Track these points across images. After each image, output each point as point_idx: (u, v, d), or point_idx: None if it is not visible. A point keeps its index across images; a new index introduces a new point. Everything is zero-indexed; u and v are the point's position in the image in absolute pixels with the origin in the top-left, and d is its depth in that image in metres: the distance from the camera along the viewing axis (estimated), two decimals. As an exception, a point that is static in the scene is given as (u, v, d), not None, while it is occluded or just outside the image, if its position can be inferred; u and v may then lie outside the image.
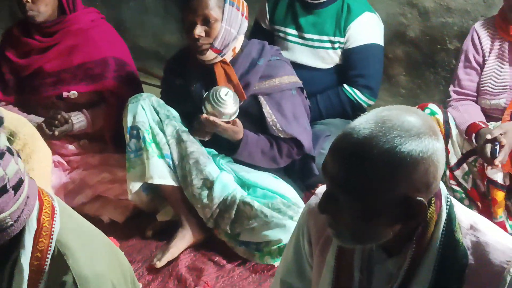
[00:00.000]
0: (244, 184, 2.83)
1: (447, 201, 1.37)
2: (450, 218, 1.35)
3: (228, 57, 2.80)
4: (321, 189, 1.57)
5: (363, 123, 1.25)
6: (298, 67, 3.08)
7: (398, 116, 1.25)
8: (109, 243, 1.67)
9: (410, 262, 1.35)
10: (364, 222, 1.27)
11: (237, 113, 2.70)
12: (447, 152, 2.85)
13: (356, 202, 1.25)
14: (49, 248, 1.47)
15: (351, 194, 1.25)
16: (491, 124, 2.80)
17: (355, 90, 3.19)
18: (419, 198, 1.25)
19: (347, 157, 1.24)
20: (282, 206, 2.69)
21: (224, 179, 2.77)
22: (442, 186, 1.36)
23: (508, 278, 1.31)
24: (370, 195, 1.24)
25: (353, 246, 1.35)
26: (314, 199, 1.56)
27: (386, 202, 1.25)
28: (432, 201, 1.33)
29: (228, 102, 2.65)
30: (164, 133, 2.79)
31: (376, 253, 1.41)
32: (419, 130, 1.24)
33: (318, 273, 1.52)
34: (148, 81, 4.05)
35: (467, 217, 1.39)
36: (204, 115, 2.67)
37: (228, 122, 2.71)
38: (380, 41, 3.23)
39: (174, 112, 2.84)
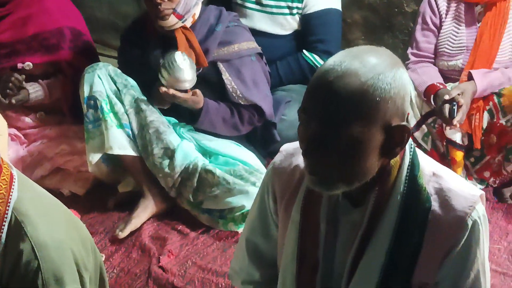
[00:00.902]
0: (205, 152, 2.81)
1: (411, 148, 1.38)
2: (413, 163, 1.37)
3: (188, 23, 2.75)
4: (286, 146, 1.58)
5: (339, 59, 1.25)
6: (257, 34, 3.06)
7: (369, 51, 1.28)
8: (68, 212, 1.65)
9: (373, 207, 1.36)
10: (354, 158, 1.26)
11: (195, 80, 2.66)
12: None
13: (348, 137, 1.24)
14: (6, 216, 1.44)
15: (342, 128, 1.23)
16: (449, 85, 2.83)
17: (315, 56, 3.18)
18: (403, 123, 1.27)
19: (334, 91, 1.23)
20: (245, 173, 2.69)
21: (185, 147, 2.75)
22: None
23: (470, 223, 1.34)
24: (361, 126, 1.23)
25: (339, 190, 1.32)
26: (279, 157, 1.57)
27: (375, 132, 1.25)
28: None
29: (184, 67, 2.60)
30: (122, 102, 2.75)
31: (341, 204, 1.41)
32: (392, 61, 1.28)
33: (284, 229, 1.53)
34: (105, 52, 3.99)
35: (429, 165, 1.41)
36: (164, 89, 2.62)
37: (186, 91, 2.67)
38: (338, 6, 3.22)
39: (132, 81, 2.79)
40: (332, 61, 1.26)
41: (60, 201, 1.65)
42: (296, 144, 1.48)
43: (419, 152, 1.42)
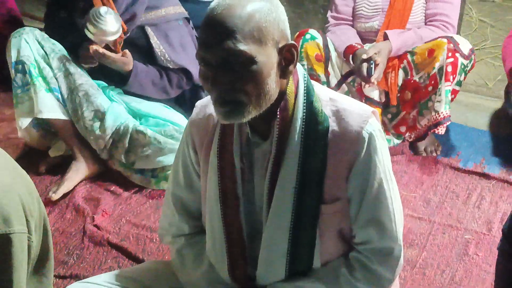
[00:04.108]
0: (135, 115, 2.86)
1: (304, 76, 1.52)
2: (308, 89, 1.50)
3: (108, -10, 2.77)
4: (200, 101, 1.68)
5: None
6: (182, 0, 3.10)
7: None
8: (13, 161, 1.65)
9: (279, 135, 1.48)
10: (257, 77, 1.36)
11: (120, 31, 2.68)
12: (328, 74, 3.03)
13: (247, 58, 1.34)
14: None
15: (240, 50, 1.33)
16: (366, 46, 2.99)
17: (239, 21, 3.26)
18: (290, 42, 1.41)
19: (225, 18, 1.33)
20: (175, 132, 2.77)
21: (116, 109, 2.80)
22: (299, 65, 1.51)
23: (366, 135, 1.48)
24: (255, 47, 1.34)
25: (250, 115, 1.41)
26: (195, 111, 1.66)
27: (269, 52, 1.37)
28: (290, 77, 1.48)
29: (108, 19, 2.62)
30: (50, 66, 2.76)
31: (252, 140, 1.53)
32: None
33: (205, 177, 1.63)
34: (29, 24, 3.93)
35: (325, 92, 1.56)
36: (94, 47, 2.65)
37: (116, 51, 2.72)
38: (261, -28, 3.31)
39: (59, 46, 2.80)
40: (216, 1, 1.37)
41: (5, 152, 1.66)
42: (209, 97, 1.57)
43: (315, 83, 1.55)
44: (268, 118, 1.48)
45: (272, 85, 1.40)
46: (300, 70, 1.52)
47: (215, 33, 1.34)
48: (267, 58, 1.37)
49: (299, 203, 1.52)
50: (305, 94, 1.50)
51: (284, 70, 1.43)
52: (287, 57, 1.41)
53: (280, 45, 1.39)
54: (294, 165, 1.50)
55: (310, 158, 1.49)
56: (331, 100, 1.53)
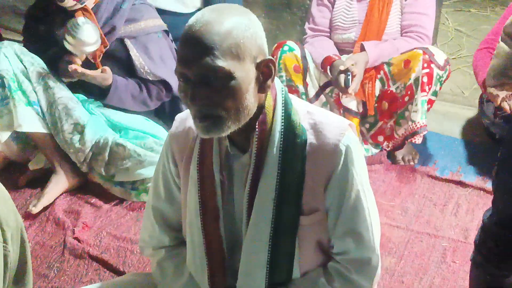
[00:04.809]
0: (115, 127, 2.88)
1: (282, 90, 1.55)
2: (286, 102, 1.53)
3: (90, 3, 2.77)
4: (180, 114, 1.70)
5: (200, 14, 1.38)
6: (161, 13, 3.11)
7: (223, 5, 1.42)
8: None
9: (258, 148, 1.51)
10: (235, 93, 1.38)
11: (99, 42, 2.69)
12: (306, 85, 3.07)
13: (225, 74, 1.36)
14: None
15: (218, 67, 1.35)
16: (344, 57, 3.03)
17: (217, 33, 3.28)
18: (268, 57, 1.44)
19: (203, 35, 1.35)
20: (155, 145, 2.79)
21: (95, 122, 2.81)
22: (276, 79, 1.53)
23: (343, 148, 1.51)
24: (233, 63, 1.36)
25: (230, 129, 1.43)
26: (174, 124, 1.68)
27: (247, 68, 1.39)
28: (268, 91, 1.50)
29: (86, 29, 2.63)
30: (29, 80, 2.76)
31: (231, 153, 1.55)
32: (244, 10, 1.44)
33: (185, 189, 1.65)
34: (7, 36, 3.93)
35: (302, 106, 1.58)
36: (74, 66, 2.65)
37: (95, 68, 2.73)
38: (239, -15, 3.35)
39: (38, 59, 2.80)
40: (194, 17, 1.39)
41: None
42: (188, 111, 1.58)
43: (292, 97, 1.58)
44: (247, 131, 1.50)
45: (251, 99, 1.42)
46: (278, 84, 1.54)
47: (193, 50, 1.35)
48: (245, 74, 1.39)
49: (278, 214, 1.54)
50: (283, 108, 1.52)
51: (262, 84, 1.45)
52: (265, 72, 1.44)
53: (258, 60, 1.41)
54: (273, 177, 1.52)
55: (288, 170, 1.52)
56: (309, 113, 1.55)
